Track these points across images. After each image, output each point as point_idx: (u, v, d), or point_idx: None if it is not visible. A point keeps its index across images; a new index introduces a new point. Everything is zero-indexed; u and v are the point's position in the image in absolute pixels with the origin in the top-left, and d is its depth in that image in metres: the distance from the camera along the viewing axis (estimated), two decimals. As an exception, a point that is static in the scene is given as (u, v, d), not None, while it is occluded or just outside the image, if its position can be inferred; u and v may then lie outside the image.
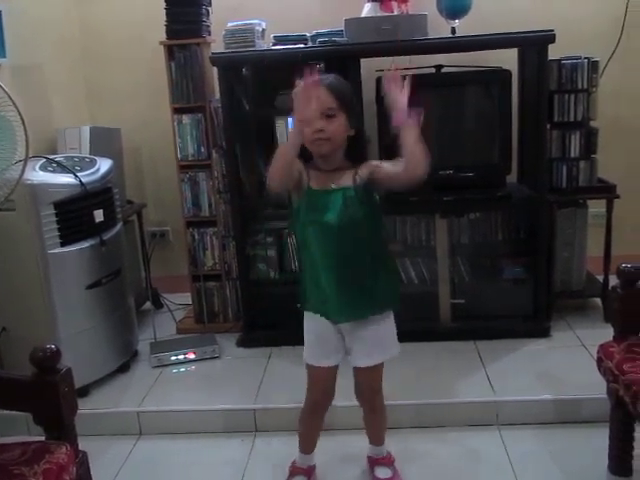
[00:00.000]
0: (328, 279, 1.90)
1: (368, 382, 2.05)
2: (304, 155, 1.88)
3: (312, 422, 2.12)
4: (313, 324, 1.99)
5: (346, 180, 1.87)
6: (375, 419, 2.15)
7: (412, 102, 1.75)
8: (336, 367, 2.01)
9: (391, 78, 1.75)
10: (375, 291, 1.93)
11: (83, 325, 2.67)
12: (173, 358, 2.95)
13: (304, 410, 2.11)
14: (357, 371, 2.03)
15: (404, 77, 1.75)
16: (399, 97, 1.73)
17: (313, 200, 1.87)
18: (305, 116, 1.75)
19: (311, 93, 1.73)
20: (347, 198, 1.85)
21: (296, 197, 1.92)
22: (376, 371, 2.02)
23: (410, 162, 1.75)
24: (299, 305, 2.01)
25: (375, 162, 1.92)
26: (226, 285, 3.27)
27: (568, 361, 2.73)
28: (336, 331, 1.97)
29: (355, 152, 1.91)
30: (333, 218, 1.84)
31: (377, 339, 1.97)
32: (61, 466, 1.63)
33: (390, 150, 1.87)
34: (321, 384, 2.03)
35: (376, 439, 2.19)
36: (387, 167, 1.87)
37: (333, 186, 1.87)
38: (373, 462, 2.21)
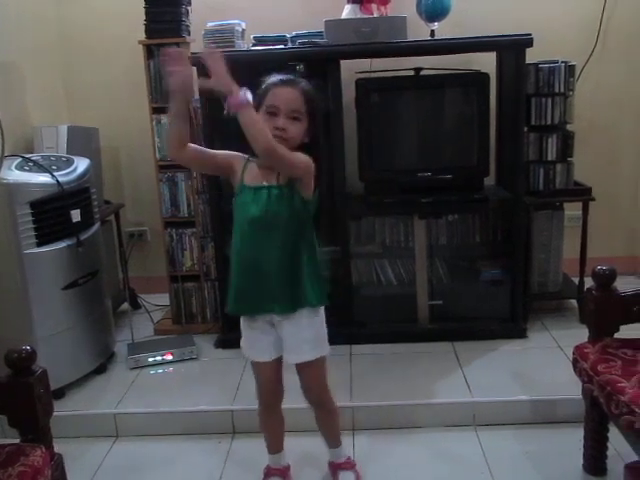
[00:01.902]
0: (252, 272, 1.90)
1: (308, 379, 2.04)
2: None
3: (268, 419, 2.13)
4: (243, 320, 2.00)
5: (274, 177, 1.88)
6: (323, 417, 2.14)
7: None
8: (276, 361, 2.01)
9: (210, 56, 1.76)
10: (296, 287, 1.92)
11: (59, 326, 2.64)
12: (151, 359, 2.93)
13: (259, 408, 2.12)
14: (296, 368, 2.03)
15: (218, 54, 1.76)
16: (224, 80, 1.75)
17: (243, 195, 1.89)
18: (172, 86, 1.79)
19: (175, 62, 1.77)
20: (272, 195, 1.87)
21: (233, 185, 1.93)
22: (314, 368, 2.01)
23: (253, 142, 1.77)
24: (226, 310, 2.01)
25: None
26: (204, 286, 3.26)
27: (544, 362, 2.75)
28: (263, 327, 1.97)
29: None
30: (255, 212, 1.86)
31: (303, 336, 1.96)
32: (36, 469, 1.62)
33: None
34: (263, 377, 2.04)
35: (331, 441, 2.18)
36: None
37: (264, 183, 1.88)
38: (336, 467, 2.20)
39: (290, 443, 2.21)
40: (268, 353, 2.00)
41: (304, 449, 2.34)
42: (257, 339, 1.99)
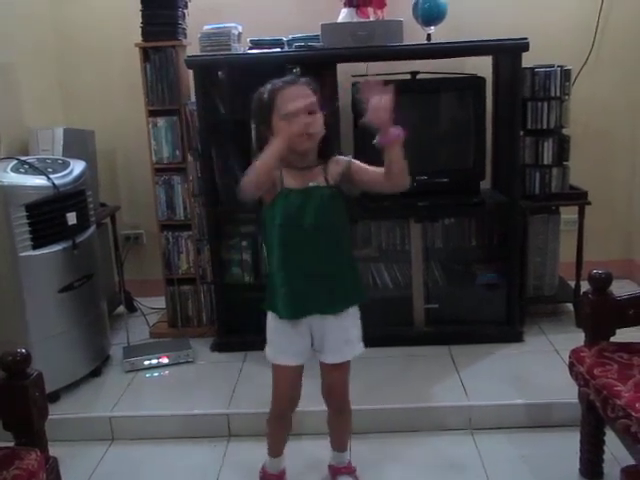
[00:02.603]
0: (302, 276, 1.90)
1: (338, 380, 2.04)
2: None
3: (279, 424, 2.11)
4: (279, 323, 1.97)
5: (319, 178, 1.89)
6: (341, 422, 2.14)
7: (394, 114, 1.77)
8: (302, 367, 2.01)
9: (370, 88, 1.75)
10: (345, 286, 1.95)
11: (55, 329, 2.63)
12: (146, 362, 2.93)
13: (271, 412, 2.09)
14: (327, 369, 2.02)
15: (384, 83, 1.76)
16: (382, 114, 1.74)
17: (290, 198, 1.87)
18: (291, 112, 1.77)
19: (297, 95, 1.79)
20: (323, 196, 1.87)
21: (268, 199, 1.90)
22: (345, 369, 2.02)
23: (396, 176, 1.82)
24: (263, 306, 2.00)
25: (345, 158, 1.92)
26: (200, 289, 3.26)
27: (540, 366, 2.75)
28: (303, 330, 1.96)
29: (325, 150, 1.91)
30: (310, 215, 1.86)
31: (347, 335, 1.97)
32: (31, 472, 1.61)
33: (364, 154, 1.89)
34: (287, 383, 2.02)
35: (340, 445, 2.18)
36: (368, 170, 1.90)
37: (311, 184, 1.88)
38: (335, 471, 2.19)
39: (293, 446, 2.20)
40: (299, 357, 1.99)
41: (307, 452, 2.34)
42: (293, 343, 1.97)
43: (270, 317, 2.00)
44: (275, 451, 2.15)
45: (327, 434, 2.18)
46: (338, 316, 1.95)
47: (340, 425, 2.15)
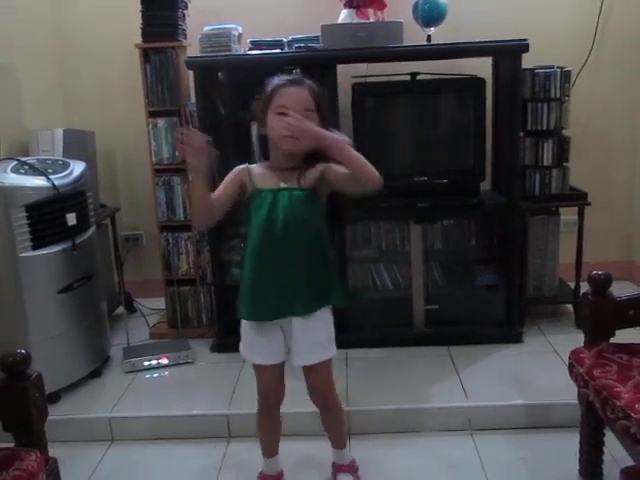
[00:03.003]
0: (270, 277, 1.90)
1: (316, 381, 2.04)
2: (263, 151, 1.92)
3: (266, 422, 2.12)
4: (249, 324, 1.98)
5: (292, 180, 1.88)
6: (331, 419, 2.13)
7: (325, 126, 1.81)
8: (280, 365, 2.01)
9: (297, 125, 1.77)
10: (314, 288, 1.94)
11: (54, 330, 2.63)
12: (146, 363, 2.93)
13: (258, 411, 2.11)
14: (304, 370, 2.02)
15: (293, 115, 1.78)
16: (314, 134, 1.76)
17: (260, 198, 1.88)
18: (195, 163, 1.79)
19: (194, 149, 1.77)
20: (293, 198, 1.87)
21: (243, 196, 1.92)
22: (323, 370, 2.01)
23: (364, 177, 1.79)
24: (239, 313, 1.99)
25: (324, 164, 1.90)
26: (200, 290, 3.26)
27: (540, 367, 2.75)
28: (274, 331, 1.96)
29: (314, 156, 1.89)
30: (278, 216, 1.86)
31: (315, 338, 1.95)
32: (31, 473, 1.61)
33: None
34: (266, 382, 2.03)
35: (336, 441, 2.18)
36: (339, 170, 1.86)
37: (282, 185, 1.88)
38: (337, 469, 2.20)
39: (291, 447, 2.21)
40: (274, 357, 1.99)
41: (305, 453, 2.34)
42: (263, 344, 1.97)
43: (242, 320, 2.01)
44: (268, 451, 2.16)
45: (324, 434, 2.19)
46: (306, 318, 1.93)
47: (331, 423, 2.15)
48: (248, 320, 1.97)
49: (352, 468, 2.20)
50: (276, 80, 1.87)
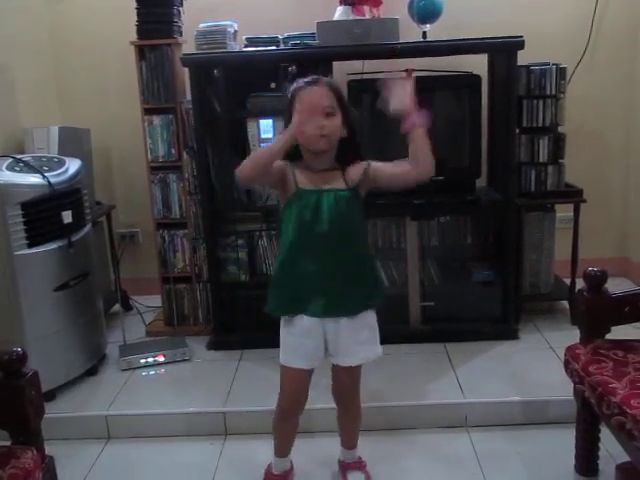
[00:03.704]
0: (316, 276, 1.89)
1: (349, 382, 2.04)
2: (291, 154, 1.90)
3: (286, 425, 2.10)
4: (295, 326, 1.95)
5: (336, 181, 1.89)
6: (351, 421, 2.14)
7: (417, 102, 1.81)
8: (312, 371, 2.00)
9: (393, 81, 1.80)
10: (362, 288, 1.95)
11: (51, 328, 2.63)
12: (142, 361, 2.92)
13: (277, 414, 2.08)
14: (339, 370, 2.01)
15: (407, 74, 1.79)
16: (405, 100, 1.78)
17: (304, 199, 1.87)
18: (306, 128, 1.79)
19: (314, 109, 1.79)
20: (338, 198, 1.87)
21: (282, 196, 1.92)
22: (357, 371, 2.02)
23: (422, 161, 1.85)
24: (268, 311, 1.98)
25: (364, 162, 1.92)
26: (196, 287, 3.25)
27: (536, 363, 2.76)
28: (319, 332, 1.94)
29: (345, 154, 1.91)
30: (325, 218, 1.86)
31: (360, 338, 1.96)
32: (27, 471, 1.61)
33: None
34: (293, 386, 2.01)
35: (349, 442, 2.18)
36: (388, 166, 1.91)
37: (325, 187, 1.88)
38: (345, 466, 2.20)
39: (296, 444, 2.19)
40: (311, 361, 1.97)
41: (315, 448, 2.35)
42: (301, 344, 1.95)
43: (282, 321, 1.98)
44: (281, 452, 2.15)
45: (334, 431, 2.19)
46: (352, 318, 1.93)
47: (350, 424, 2.15)
48: (291, 315, 1.94)
49: (361, 465, 2.20)
50: (294, 85, 1.88)
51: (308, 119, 1.80)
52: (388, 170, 1.91)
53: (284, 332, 1.98)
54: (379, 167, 1.91)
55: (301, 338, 1.94)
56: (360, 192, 1.91)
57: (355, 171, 1.90)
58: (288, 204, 1.91)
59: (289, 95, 1.88)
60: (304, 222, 1.87)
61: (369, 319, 1.98)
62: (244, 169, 1.82)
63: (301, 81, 1.87)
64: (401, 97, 1.79)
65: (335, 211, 1.86)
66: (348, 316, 1.93)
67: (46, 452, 1.82)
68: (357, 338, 1.95)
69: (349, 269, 1.91)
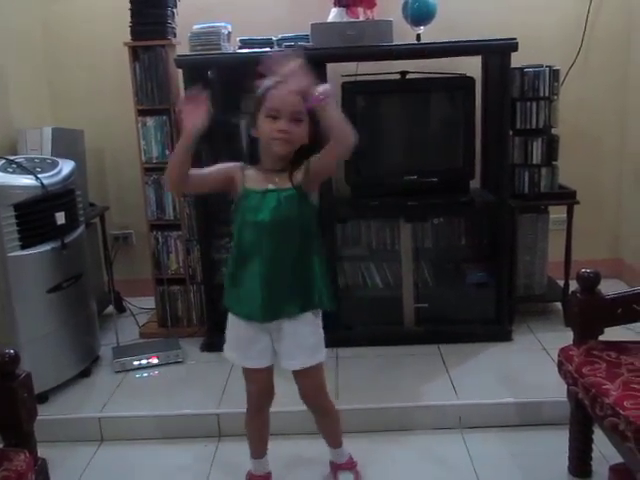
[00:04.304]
0: (257, 277, 1.89)
1: (306, 384, 2.03)
2: (251, 153, 1.91)
3: (255, 424, 2.11)
4: (237, 325, 1.97)
5: (283, 181, 1.88)
6: (324, 421, 2.13)
7: (313, 77, 1.75)
8: (268, 368, 2.00)
9: (278, 63, 1.76)
10: (302, 290, 1.93)
11: (43, 330, 2.62)
12: (136, 363, 2.92)
13: (247, 412, 2.10)
14: (294, 373, 2.01)
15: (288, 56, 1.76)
16: (301, 79, 1.73)
17: (249, 199, 1.88)
18: (191, 125, 1.79)
19: (195, 106, 1.79)
20: (282, 198, 1.86)
21: (233, 194, 1.92)
22: (313, 374, 2.00)
23: (339, 133, 1.76)
24: (224, 306, 2.00)
25: (308, 160, 1.89)
26: (190, 289, 3.25)
27: (530, 364, 2.77)
28: (263, 333, 1.95)
29: (299, 159, 1.88)
30: (265, 216, 1.85)
31: (302, 341, 1.95)
32: (20, 473, 1.60)
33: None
34: (257, 385, 2.03)
35: (332, 441, 2.18)
36: (319, 155, 1.85)
37: (270, 186, 1.88)
38: (336, 467, 2.20)
39: (283, 447, 2.21)
40: (262, 360, 1.98)
41: (298, 452, 2.35)
42: (249, 346, 1.97)
43: (230, 316, 2.00)
44: (256, 453, 2.15)
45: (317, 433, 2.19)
46: (293, 320, 1.93)
47: (324, 425, 2.15)
48: (237, 315, 1.96)
49: (351, 466, 2.20)
50: (266, 82, 1.85)
51: (273, 121, 1.79)
52: (322, 153, 1.84)
53: (230, 332, 2.01)
54: (315, 159, 1.87)
55: (248, 339, 1.97)
56: (306, 191, 1.88)
57: (300, 170, 1.88)
58: (237, 205, 1.91)
59: (259, 92, 1.85)
60: (247, 220, 1.88)
61: (312, 322, 1.96)
62: (166, 179, 1.91)
63: (273, 79, 1.84)
64: (296, 77, 1.73)
65: (276, 211, 1.85)
66: (288, 317, 1.92)
67: (39, 454, 1.82)
68: (298, 341, 1.94)
69: (290, 270, 1.90)
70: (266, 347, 1.97)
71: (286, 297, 1.91)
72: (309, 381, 2.02)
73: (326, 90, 1.74)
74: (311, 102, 1.74)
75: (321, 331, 2.00)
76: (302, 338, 1.94)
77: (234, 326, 1.99)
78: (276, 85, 1.82)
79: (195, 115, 1.78)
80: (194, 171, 1.87)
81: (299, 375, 2.00)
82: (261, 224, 1.86)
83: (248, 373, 2.02)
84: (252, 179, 1.90)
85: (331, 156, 1.83)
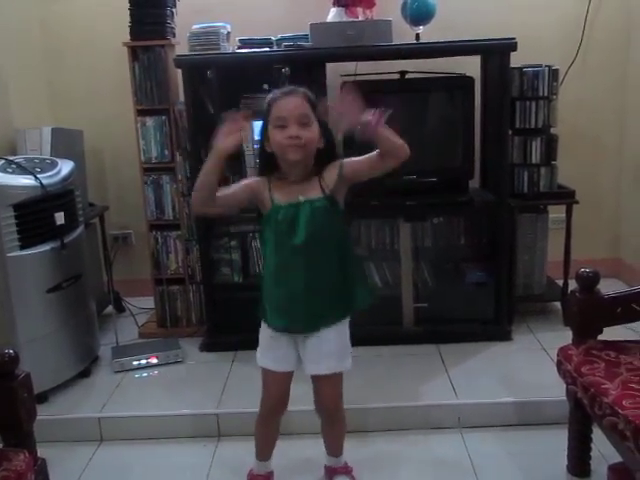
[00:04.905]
0: (298, 293, 1.89)
1: (325, 392, 2.02)
2: (269, 166, 1.90)
3: (266, 428, 2.10)
4: (267, 329, 1.98)
5: (313, 190, 1.87)
6: (333, 431, 2.13)
7: (370, 104, 1.77)
8: (290, 373, 2.00)
9: (337, 105, 1.78)
10: (346, 296, 1.94)
11: (43, 330, 2.62)
12: (135, 363, 2.92)
13: (259, 415, 2.09)
14: (314, 379, 2.01)
15: (348, 87, 1.78)
16: (356, 114, 1.75)
17: (280, 214, 1.87)
18: (224, 145, 1.80)
19: (235, 129, 1.80)
20: (315, 210, 1.85)
21: (262, 209, 1.92)
22: (333, 381, 2.00)
23: (398, 151, 1.81)
24: (261, 317, 2.00)
25: (337, 162, 1.90)
26: (189, 289, 3.25)
27: (529, 364, 2.77)
28: (288, 339, 1.96)
29: (322, 164, 1.90)
30: (300, 237, 1.84)
31: (327, 348, 1.95)
32: (19, 473, 1.60)
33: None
34: (275, 389, 2.02)
35: (334, 450, 2.17)
36: (361, 160, 1.87)
37: (301, 198, 1.87)
38: (332, 471, 2.19)
39: (283, 447, 2.20)
40: (284, 365, 1.98)
41: (298, 453, 2.34)
42: (278, 349, 1.97)
43: (262, 323, 2.00)
44: (262, 455, 2.15)
45: (318, 433, 2.18)
46: (327, 327, 1.94)
47: (332, 433, 2.14)
48: (275, 328, 1.96)
49: (348, 470, 2.19)
50: (270, 95, 1.87)
51: (282, 130, 1.80)
52: (361, 164, 1.87)
53: (261, 334, 2.01)
54: (353, 162, 1.88)
55: (274, 342, 1.97)
56: (338, 198, 1.89)
57: (330, 175, 1.88)
58: (266, 220, 1.90)
59: (265, 106, 1.87)
60: (281, 238, 1.87)
61: (339, 331, 1.97)
62: (194, 201, 1.90)
63: (277, 91, 1.87)
64: (350, 113, 1.75)
65: (311, 224, 1.85)
66: (316, 331, 1.93)
67: (38, 454, 1.82)
68: (324, 348, 1.95)
69: (331, 280, 1.90)
70: (291, 352, 1.97)
71: (327, 307, 1.92)
72: (330, 389, 2.01)
73: (376, 116, 1.76)
74: (368, 134, 1.75)
75: (348, 339, 2.00)
76: (328, 345, 1.95)
77: (264, 329, 2.00)
78: (280, 95, 1.84)
79: (230, 136, 1.80)
80: (220, 191, 1.87)
81: (321, 381, 2.00)
82: (296, 246, 1.85)
83: (267, 376, 2.01)
84: (279, 192, 1.89)
85: (378, 167, 1.85)
